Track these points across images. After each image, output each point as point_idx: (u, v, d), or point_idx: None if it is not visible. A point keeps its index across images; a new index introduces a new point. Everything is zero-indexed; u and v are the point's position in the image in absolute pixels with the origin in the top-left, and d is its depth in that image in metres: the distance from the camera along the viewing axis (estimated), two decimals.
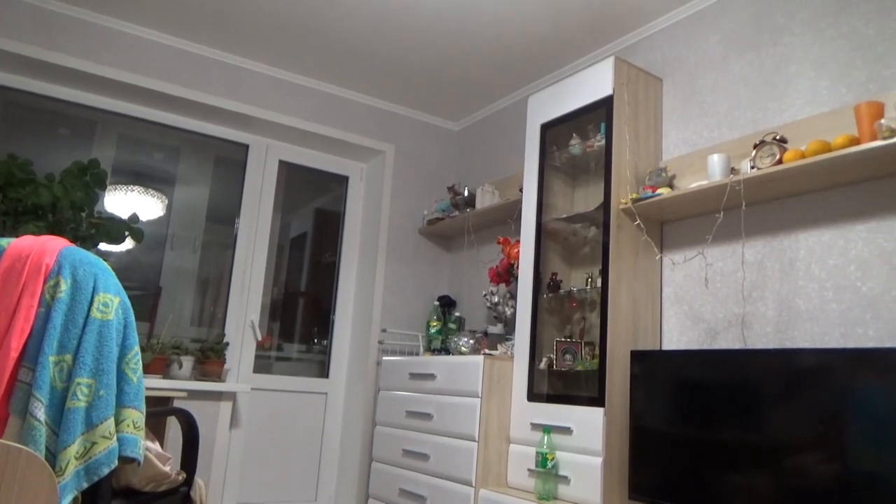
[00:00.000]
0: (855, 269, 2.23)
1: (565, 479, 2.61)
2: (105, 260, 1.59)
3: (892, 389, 1.82)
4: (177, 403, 3.16)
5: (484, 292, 3.59)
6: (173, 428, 3.11)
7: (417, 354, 3.87)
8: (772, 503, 2.03)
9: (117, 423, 1.47)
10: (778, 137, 2.35)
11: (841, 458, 1.91)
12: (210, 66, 3.74)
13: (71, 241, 2.62)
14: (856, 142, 2.08)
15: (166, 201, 3.86)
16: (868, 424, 1.87)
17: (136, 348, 1.55)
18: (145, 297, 3.68)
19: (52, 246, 1.49)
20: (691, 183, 2.68)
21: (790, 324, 2.38)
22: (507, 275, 3.49)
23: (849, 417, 1.92)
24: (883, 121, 2.02)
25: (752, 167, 2.38)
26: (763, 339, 2.45)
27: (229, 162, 4.08)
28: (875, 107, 2.09)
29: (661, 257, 2.89)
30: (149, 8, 3.33)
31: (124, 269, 3.62)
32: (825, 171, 2.21)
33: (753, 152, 2.39)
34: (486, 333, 3.45)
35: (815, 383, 2.01)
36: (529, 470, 2.75)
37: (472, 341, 3.36)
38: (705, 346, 2.64)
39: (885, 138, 1.99)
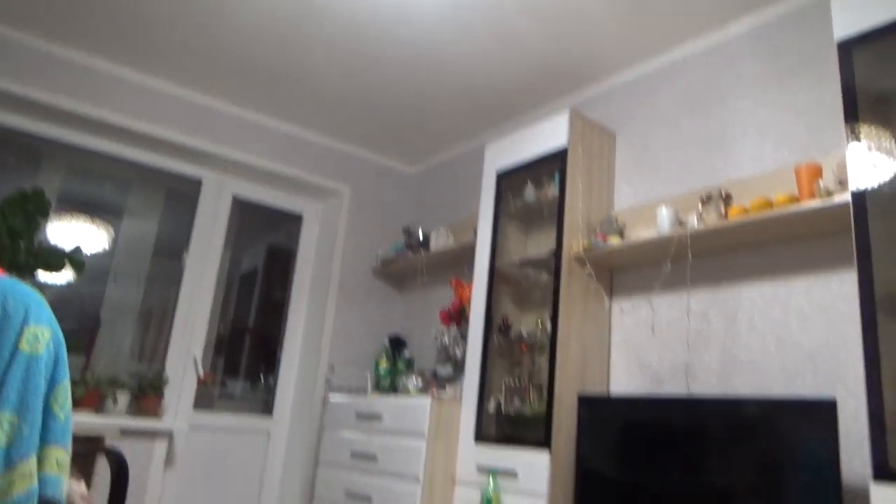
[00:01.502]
0: (795, 321, 2.30)
1: None
2: (42, 292, 1.52)
3: (828, 438, 1.86)
4: (109, 441, 3.01)
5: (435, 333, 3.57)
6: (103, 466, 2.95)
7: (365, 394, 3.80)
8: None
9: (40, 462, 1.38)
10: (724, 194, 2.43)
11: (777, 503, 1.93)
12: (167, 101, 3.69)
13: (6, 270, 2.51)
14: (796, 201, 2.17)
15: (112, 233, 3.75)
16: (804, 471, 1.90)
17: (66, 383, 1.47)
18: (83, 330, 3.54)
19: None
20: (641, 233, 2.74)
21: (733, 373, 2.42)
22: (458, 316, 3.48)
23: (787, 464, 1.95)
24: (821, 182, 2.11)
25: (699, 221, 2.45)
26: (707, 387, 2.49)
27: (181, 196, 4.00)
28: (814, 169, 2.19)
29: (611, 304, 2.93)
30: (105, 40, 3.28)
31: (62, 301, 3.48)
32: (767, 228, 2.29)
33: (700, 207, 2.46)
34: (435, 374, 3.42)
35: (756, 431, 2.05)
36: None
37: (420, 382, 3.32)
38: (651, 392, 2.67)
39: (822, 199, 2.08)
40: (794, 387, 2.24)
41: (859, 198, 1.86)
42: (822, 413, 1.89)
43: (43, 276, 3.09)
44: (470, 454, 2.86)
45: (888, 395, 1.69)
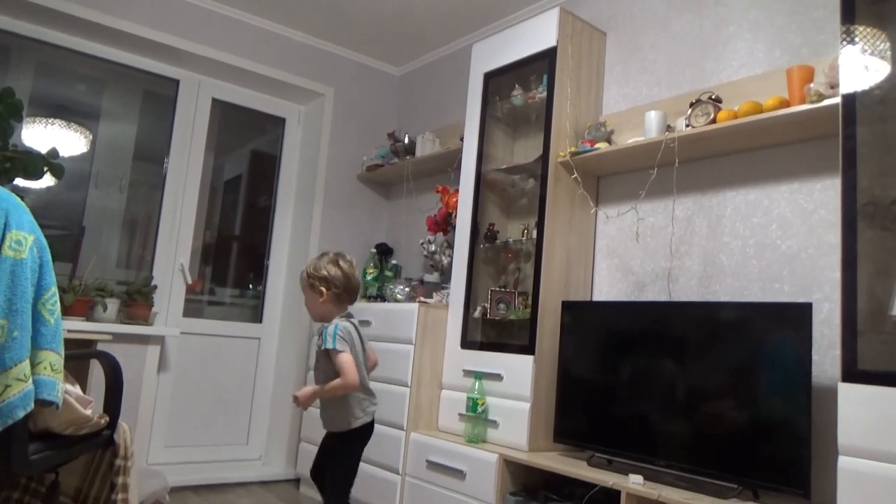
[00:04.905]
0: (776, 227, 2.33)
1: (494, 424, 2.68)
2: (22, 197, 1.50)
3: (801, 340, 1.93)
4: (101, 347, 3.06)
5: (421, 241, 3.59)
6: (97, 371, 3.02)
7: None
8: (688, 446, 2.15)
9: (33, 365, 1.41)
10: (713, 97, 2.39)
11: (752, 403, 2.02)
12: None
13: None
14: (786, 104, 2.15)
15: (90, 137, 3.65)
16: (777, 372, 1.98)
17: (54, 289, 1.48)
18: (67, 236, 3.51)
19: None
20: (629, 138, 2.72)
21: (713, 278, 2.47)
22: (444, 224, 3.48)
23: (761, 365, 2.03)
24: (812, 85, 2.08)
25: (687, 125, 2.42)
26: (687, 292, 2.54)
27: (158, 97, 3.88)
28: (806, 71, 2.15)
29: (596, 211, 2.95)
30: None
31: (44, 206, 3.43)
32: (755, 132, 2.28)
33: (689, 111, 2.43)
34: (422, 282, 3.46)
35: (733, 334, 2.11)
36: (460, 414, 2.81)
37: (407, 289, 3.37)
38: (633, 298, 2.73)
39: (812, 102, 2.05)
40: (771, 291, 2.30)
41: (849, 101, 1.84)
42: (798, 317, 1.95)
43: (21, 181, 3.03)
44: (456, 359, 2.95)
45: (862, 300, 1.73)
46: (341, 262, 2.26)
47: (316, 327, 2.43)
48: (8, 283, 1.34)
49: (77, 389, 1.75)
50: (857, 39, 1.86)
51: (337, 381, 2.15)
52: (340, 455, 2.23)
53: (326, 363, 2.21)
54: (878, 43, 1.88)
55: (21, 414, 1.36)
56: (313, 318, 2.32)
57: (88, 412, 1.70)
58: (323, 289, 2.24)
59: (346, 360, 2.16)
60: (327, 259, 2.26)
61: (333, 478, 2.21)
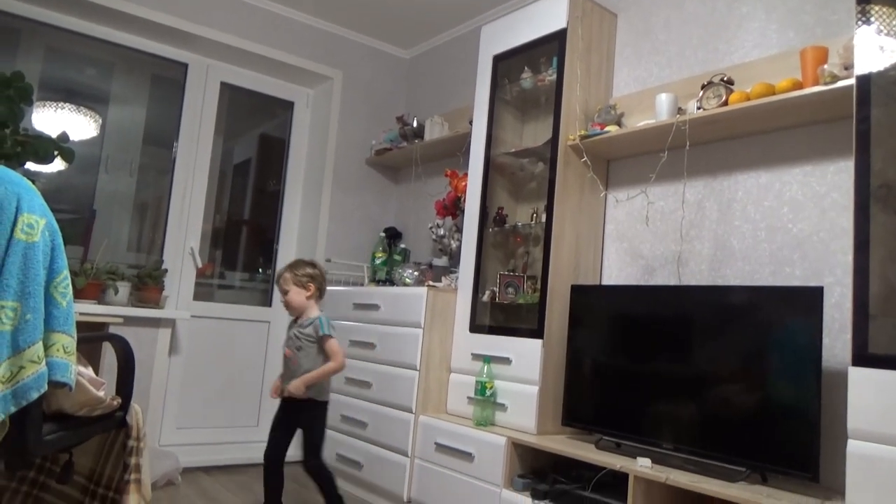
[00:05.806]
0: (788, 210, 2.31)
1: (503, 407, 2.69)
2: (33, 181, 1.50)
3: (812, 324, 1.92)
4: (113, 329, 3.08)
5: (430, 225, 3.58)
6: (109, 354, 3.05)
7: (362, 285, 3.87)
8: (696, 430, 2.15)
9: (46, 347, 1.42)
10: (725, 79, 2.36)
11: (761, 387, 2.02)
12: None
13: None
14: (799, 86, 2.12)
15: (100, 121, 3.66)
16: (788, 356, 1.98)
17: (66, 272, 1.49)
18: (78, 220, 3.53)
19: None
20: (639, 121, 2.69)
21: (723, 262, 2.46)
22: (453, 208, 3.48)
23: (771, 350, 2.02)
24: (826, 66, 2.05)
25: (699, 107, 2.40)
26: (697, 276, 2.53)
27: (167, 81, 3.87)
28: (819, 52, 2.12)
29: (606, 195, 2.93)
30: None
31: (55, 190, 3.45)
32: (768, 114, 2.25)
33: (701, 93, 2.40)
34: (430, 265, 3.47)
35: (743, 319, 2.11)
36: (469, 398, 2.82)
37: (416, 273, 3.37)
38: (642, 282, 2.72)
39: (826, 83, 2.03)
40: (782, 275, 2.29)
41: (864, 82, 1.81)
42: (809, 300, 1.94)
43: (32, 165, 3.04)
44: (465, 342, 2.95)
45: (874, 283, 1.72)
46: (317, 266, 2.70)
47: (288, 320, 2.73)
48: (20, 267, 1.35)
49: (90, 371, 1.76)
50: (872, 19, 1.83)
51: (331, 365, 2.55)
52: (320, 420, 2.61)
53: (318, 349, 2.58)
54: (893, 23, 1.85)
55: (35, 395, 1.37)
56: (293, 312, 2.67)
57: (101, 394, 1.71)
58: (311, 285, 2.64)
59: (337, 345, 2.58)
60: (305, 262, 2.70)
61: (316, 439, 2.58)
